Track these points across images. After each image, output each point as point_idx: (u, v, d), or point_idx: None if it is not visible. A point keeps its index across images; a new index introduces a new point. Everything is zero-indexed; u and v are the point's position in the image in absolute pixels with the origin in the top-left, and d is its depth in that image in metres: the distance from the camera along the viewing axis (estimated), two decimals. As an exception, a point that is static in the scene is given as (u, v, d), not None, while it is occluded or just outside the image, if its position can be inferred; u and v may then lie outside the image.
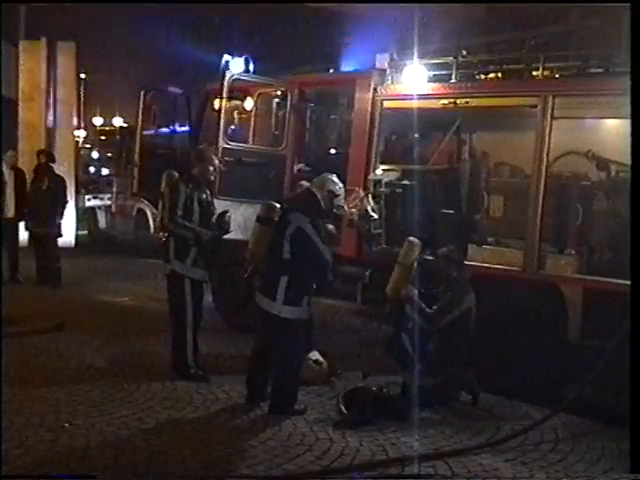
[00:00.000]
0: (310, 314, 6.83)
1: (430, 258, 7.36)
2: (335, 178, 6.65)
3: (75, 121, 17.15)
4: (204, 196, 7.36)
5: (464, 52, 7.96)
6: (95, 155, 20.57)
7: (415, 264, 6.94)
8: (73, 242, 15.50)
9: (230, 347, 8.54)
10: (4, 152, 12.28)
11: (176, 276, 7.33)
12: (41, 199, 11.85)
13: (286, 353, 6.45)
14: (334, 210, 6.61)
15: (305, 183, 7.55)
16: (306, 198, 6.64)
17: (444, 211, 8.13)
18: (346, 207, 7.29)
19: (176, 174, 7.86)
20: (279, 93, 9.66)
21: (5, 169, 12.01)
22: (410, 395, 6.50)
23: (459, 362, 6.79)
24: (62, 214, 12.07)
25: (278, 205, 6.86)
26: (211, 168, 7.40)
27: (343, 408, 6.36)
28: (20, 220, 12.09)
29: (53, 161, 12.61)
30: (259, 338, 6.72)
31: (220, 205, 8.65)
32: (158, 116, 11.06)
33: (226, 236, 8.79)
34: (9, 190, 11.90)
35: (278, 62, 10.64)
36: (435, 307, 6.88)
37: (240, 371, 7.38)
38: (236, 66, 9.02)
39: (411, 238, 7.07)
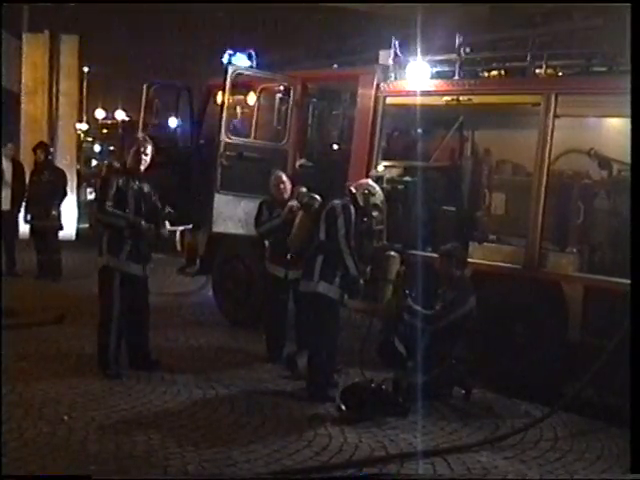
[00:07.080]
0: None
1: (432, 255, 7.35)
2: (371, 182, 7.13)
3: (77, 114, 17.10)
4: (136, 187, 7.07)
5: (467, 49, 7.94)
6: (97, 148, 20.54)
7: (402, 274, 6.97)
8: (74, 235, 15.47)
9: (230, 342, 8.53)
10: (4, 145, 12.25)
11: (106, 271, 7.20)
12: (41, 192, 11.84)
13: (322, 332, 6.66)
14: (370, 208, 6.88)
15: (304, 189, 7.62)
16: (345, 192, 7.00)
17: (445, 208, 8.12)
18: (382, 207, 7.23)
19: (115, 164, 7.66)
20: (282, 88, 9.64)
21: (4, 161, 11.99)
22: (403, 392, 6.51)
23: (452, 358, 6.79)
24: (59, 206, 12.07)
25: (319, 197, 7.25)
26: (144, 158, 7.11)
27: (342, 404, 6.36)
28: (18, 212, 12.07)
29: (50, 154, 12.59)
30: None
31: (220, 200, 8.67)
32: (160, 110, 11.03)
33: (227, 231, 8.82)
34: (7, 182, 11.87)
35: (281, 57, 10.60)
36: (438, 307, 6.81)
37: (239, 366, 7.38)
38: (239, 60, 9.01)
39: (390, 252, 7.15)
